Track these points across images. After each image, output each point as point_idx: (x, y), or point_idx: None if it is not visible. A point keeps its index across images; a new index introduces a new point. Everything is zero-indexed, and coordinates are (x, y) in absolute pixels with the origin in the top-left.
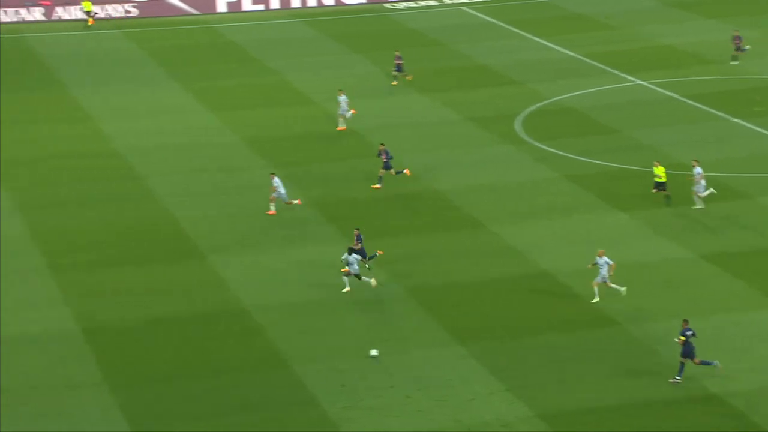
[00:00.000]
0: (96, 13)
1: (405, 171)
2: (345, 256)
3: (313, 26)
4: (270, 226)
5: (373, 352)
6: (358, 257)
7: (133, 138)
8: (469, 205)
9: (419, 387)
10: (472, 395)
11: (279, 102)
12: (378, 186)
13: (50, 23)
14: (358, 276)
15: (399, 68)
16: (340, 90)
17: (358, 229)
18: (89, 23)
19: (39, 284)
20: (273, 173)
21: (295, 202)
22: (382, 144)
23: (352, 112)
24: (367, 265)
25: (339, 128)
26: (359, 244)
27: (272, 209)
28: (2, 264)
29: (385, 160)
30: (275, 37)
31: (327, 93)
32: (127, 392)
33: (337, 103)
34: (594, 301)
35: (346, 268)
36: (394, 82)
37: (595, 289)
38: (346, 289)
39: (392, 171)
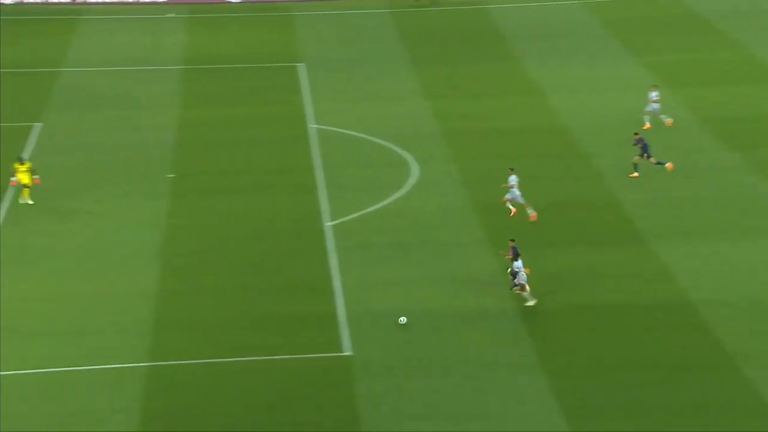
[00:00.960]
0: None
1: (667, 165)
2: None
3: None
4: (729, 214)
5: (402, 320)
6: (520, 264)
7: (583, 114)
8: None
9: None
10: None
11: (742, 79)
12: (635, 174)
13: None
14: (522, 287)
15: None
16: (654, 85)
17: (513, 241)
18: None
19: (480, 258)
20: (512, 168)
21: (530, 213)
22: (636, 133)
23: (668, 123)
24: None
25: (645, 126)
26: (510, 256)
27: (511, 207)
28: (445, 236)
29: (641, 147)
30: (744, 8)
31: None
32: (562, 378)
33: (647, 99)
34: None
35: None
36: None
37: None
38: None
39: (652, 160)
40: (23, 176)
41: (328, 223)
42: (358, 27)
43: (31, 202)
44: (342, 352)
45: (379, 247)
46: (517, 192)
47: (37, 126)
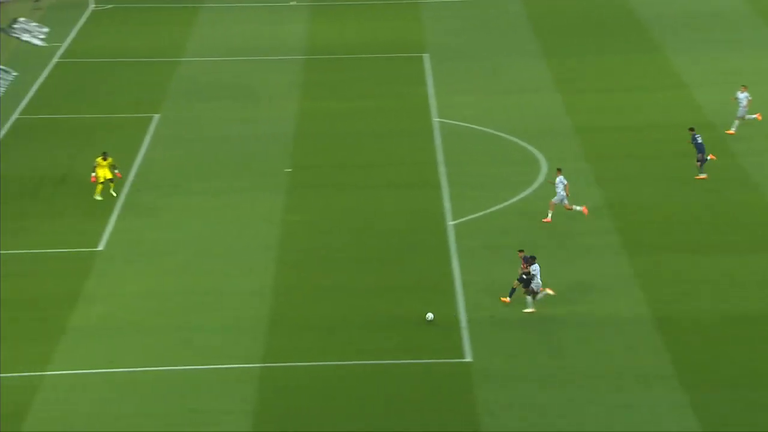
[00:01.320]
0: None
1: (710, 156)
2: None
3: None
4: None
5: (429, 316)
6: (538, 268)
7: (730, 109)
8: None
9: None
10: None
11: None
12: (704, 176)
13: None
14: (539, 291)
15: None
16: (743, 86)
17: (522, 251)
18: None
19: (613, 261)
20: (559, 168)
21: (578, 208)
22: (691, 129)
23: (757, 116)
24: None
25: (729, 131)
26: (526, 268)
27: (548, 216)
28: (575, 238)
29: (695, 144)
30: None
31: None
32: (701, 392)
33: (736, 101)
34: None
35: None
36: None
37: None
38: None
39: (701, 157)
40: (104, 171)
41: (450, 222)
42: (486, 15)
43: (114, 194)
44: (462, 358)
45: (504, 249)
46: (562, 194)
47: (156, 117)
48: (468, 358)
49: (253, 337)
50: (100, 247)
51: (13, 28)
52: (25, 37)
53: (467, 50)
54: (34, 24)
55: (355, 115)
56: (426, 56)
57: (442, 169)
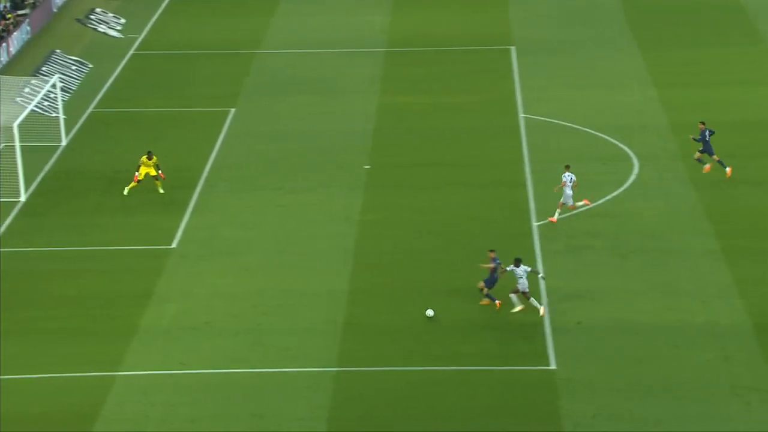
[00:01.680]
0: None
1: (727, 169)
2: (511, 267)
3: None
4: None
5: (429, 312)
6: (528, 269)
7: None
8: None
9: None
10: None
11: None
12: (707, 168)
13: None
14: (526, 294)
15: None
16: None
17: (493, 251)
18: None
19: (709, 268)
20: (567, 165)
21: (581, 203)
22: (702, 123)
23: None
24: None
25: None
26: (493, 269)
27: (555, 216)
28: (667, 243)
29: (703, 140)
30: None
31: None
32: None
33: None
34: None
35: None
36: None
37: None
38: (518, 308)
39: (715, 157)
40: (149, 169)
41: (535, 223)
42: (576, 5)
43: (162, 191)
44: (546, 366)
45: (591, 252)
46: (568, 192)
47: (232, 111)
48: (552, 366)
49: (327, 341)
50: (173, 245)
51: (90, 19)
52: (102, 28)
53: (556, 43)
54: (111, 15)
55: (437, 110)
56: (512, 49)
57: (527, 168)
